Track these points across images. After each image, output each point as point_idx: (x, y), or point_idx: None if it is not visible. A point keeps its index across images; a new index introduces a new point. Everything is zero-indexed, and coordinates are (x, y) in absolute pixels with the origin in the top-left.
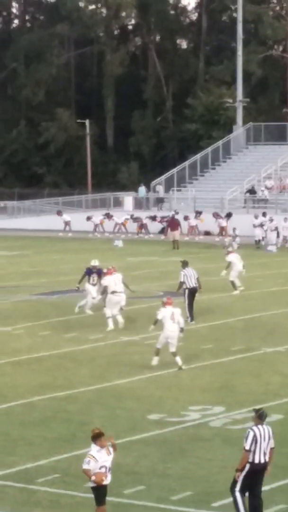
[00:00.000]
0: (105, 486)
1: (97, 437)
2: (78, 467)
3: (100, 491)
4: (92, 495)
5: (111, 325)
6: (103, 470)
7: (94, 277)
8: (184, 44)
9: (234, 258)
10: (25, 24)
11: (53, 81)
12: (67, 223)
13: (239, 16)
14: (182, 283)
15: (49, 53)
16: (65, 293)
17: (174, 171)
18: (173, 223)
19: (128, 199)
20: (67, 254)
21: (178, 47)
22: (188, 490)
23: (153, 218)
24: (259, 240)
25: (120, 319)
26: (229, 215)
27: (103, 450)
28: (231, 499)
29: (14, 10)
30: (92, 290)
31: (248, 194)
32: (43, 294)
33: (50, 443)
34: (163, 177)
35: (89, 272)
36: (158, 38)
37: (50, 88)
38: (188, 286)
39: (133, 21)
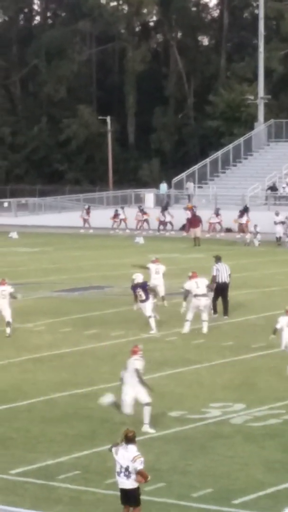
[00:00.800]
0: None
1: (133, 438)
2: (98, 464)
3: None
4: (113, 492)
5: (186, 329)
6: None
7: (140, 292)
8: (205, 41)
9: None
10: (46, 21)
11: (74, 77)
12: (86, 220)
13: (261, 12)
14: (214, 277)
15: (71, 49)
16: (86, 290)
17: (195, 168)
18: (194, 220)
19: (149, 196)
20: (88, 251)
21: (199, 44)
22: (208, 487)
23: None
24: (280, 237)
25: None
26: (246, 210)
27: None
28: (252, 496)
29: (35, 7)
30: (144, 308)
31: (269, 191)
32: (64, 290)
33: (71, 440)
34: (184, 174)
35: (134, 288)
36: (179, 34)
37: (71, 85)
38: (219, 281)
39: (154, 18)
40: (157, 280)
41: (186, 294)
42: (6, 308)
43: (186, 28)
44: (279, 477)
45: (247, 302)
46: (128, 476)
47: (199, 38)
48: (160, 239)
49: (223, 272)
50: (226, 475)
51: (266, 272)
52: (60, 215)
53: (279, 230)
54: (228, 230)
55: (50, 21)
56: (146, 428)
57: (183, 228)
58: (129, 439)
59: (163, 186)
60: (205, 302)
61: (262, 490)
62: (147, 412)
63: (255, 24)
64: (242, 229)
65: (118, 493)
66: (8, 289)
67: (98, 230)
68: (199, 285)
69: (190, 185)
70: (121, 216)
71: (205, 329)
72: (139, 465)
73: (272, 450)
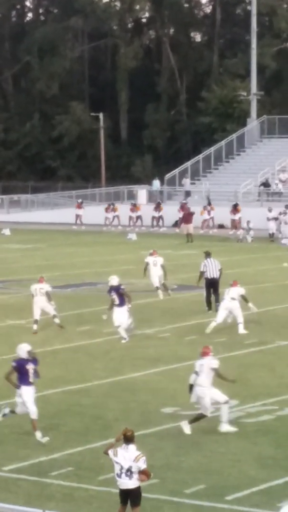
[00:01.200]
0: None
1: (133, 438)
2: (91, 461)
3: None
4: (106, 489)
5: (210, 328)
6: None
7: (114, 296)
8: (198, 37)
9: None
10: (38, 18)
11: (66, 74)
12: (78, 216)
13: (253, 9)
14: (202, 273)
15: (63, 46)
16: (78, 287)
17: (188, 164)
18: (187, 216)
19: (142, 192)
20: (81, 248)
21: (192, 40)
22: (201, 483)
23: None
24: (273, 233)
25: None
26: (235, 206)
27: None
28: (245, 492)
29: (28, 3)
30: (114, 316)
31: (262, 187)
32: (57, 287)
33: (64, 436)
34: (176, 170)
35: (109, 292)
36: (172, 31)
37: (63, 81)
38: (207, 276)
39: (147, 14)
40: (155, 271)
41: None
42: (46, 305)
43: (179, 25)
44: (272, 473)
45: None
46: (130, 476)
47: (192, 34)
48: (153, 236)
49: (211, 268)
50: (219, 471)
51: (259, 268)
52: (53, 211)
53: (272, 226)
54: (221, 226)
55: (42, 17)
56: (226, 427)
57: (175, 224)
58: (128, 439)
59: (156, 183)
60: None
61: (255, 486)
62: (225, 411)
63: (248, 20)
64: (235, 225)
65: (112, 490)
66: (46, 287)
67: (90, 226)
68: (230, 293)
69: (186, 181)
70: (116, 213)
71: (240, 330)
72: (143, 464)
73: (264, 446)
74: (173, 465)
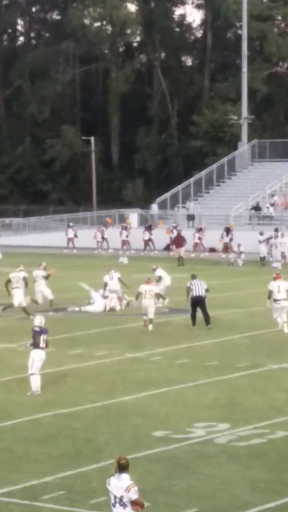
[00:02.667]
0: None
1: (126, 467)
2: (83, 484)
3: None
4: None
5: (282, 326)
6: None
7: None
8: (189, 61)
9: (162, 273)
10: (30, 41)
11: (58, 98)
12: (70, 240)
13: (244, 33)
14: (188, 288)
15: (54, 70)
16: (70, 310)
17: (179, 188)
18: (178, 240)
19: (133, 215)
20: (73, 271)
21: (183, 64)
22: (193, 507)
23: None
24: (264, 257)
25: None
26: (227, 230)
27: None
28: None
29: (19, 27)
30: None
31: (253, 211)
32: (48, 311)
33: (55, 460)
34: (168, 194)
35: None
36: (163, 55)
37: (55, 105)
38: (192, 294)
39: (138, 38)
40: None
41: (270, 294)
42: (152, 306)
43: (170, 49)
44: (264, 497)
45: (231, 321)
46: (124, 505)
47: (183, 58)
48: (144, 259)
49: (197, 287)
50: (211, 494)
51: (250, 291)
52: (44, 235)
53: (263, 249)
54: (212, 250)
55: (33, 41)
56: None
57: (166, 248)
58: (121, 467)
59: (154, 207)
60: (284, 304)
61: (246, 510)
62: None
63: (239, 44)
64: (226, 248)
65: None
66: (155, 289)
67: (82, 250)
68: (280, 289)
69: (190, 205)
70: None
71: (286, 330)
72: (134, 495)
73: (256, 469)
74: (164, 489)
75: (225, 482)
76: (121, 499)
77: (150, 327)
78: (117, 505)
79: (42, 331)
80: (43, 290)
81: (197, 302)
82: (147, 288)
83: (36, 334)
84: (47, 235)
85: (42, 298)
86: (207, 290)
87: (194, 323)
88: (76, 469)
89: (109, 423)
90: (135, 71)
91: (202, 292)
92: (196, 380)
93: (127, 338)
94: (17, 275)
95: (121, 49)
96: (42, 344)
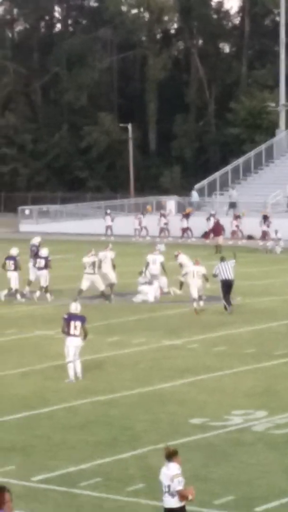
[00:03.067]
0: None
1: (173, 455)
2: (120, 471)
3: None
4: (135, 499)
5: None
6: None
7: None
8: (226, 48)
9: (184, 259)
10: (67, 29)
11: (95, 85)
12: (108, 227)
13: (282, 19)
14: (214, 275)
15: (92, 57)
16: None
17: (216, 175)
18: (217, 228)
19: (170, 203)
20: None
21: (220, 51)
22: (230, 494)
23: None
24: None
25: None
26: (264, 218)
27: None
28: (273, 503)
29: (56, 15)
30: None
31: None
32: (86, 298)
33: (92, 447)
34: (205, 181)
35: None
36: (200, 42)
37: (92, 92)
38: (222, 278)
39: (175, 25)
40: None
41: None
42: (197, 285)
43: (207, 36)
44: None
45: (269, 309)
46: (172, 495)
47: (220, 45)
48: (181, 246)
49: (225, 270)
50: (247, 482)
51: None
52: (82, 222)
53: None
54: (250, 237)
55: (71, 28)
56: None
57: (204, 235)
58: (168, 456)
59: (195, 194)
60: None
61: (284, 498)
62: None
63: (276, 31)
64: (264, 236)
65: (140, 501)
66: (203, 270)
67: (119, 237)
68: None
69: (233, 192)
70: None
71: None
72: (178, 486)
73: None
74: (201, 476)
75: (262, 470)
76: (169, 488)
77: (200, 304)
78: (167, 494)
79: (71, 317)
80: (109, 272)
81: (228, 285)
82: (195, 269)
83: (65, 321)
84: (85, 222)
85: (104, 280)
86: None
87: (230, 304)
88: (113, 456)
89: (146, 411)
90: (172, 58)
91: (231, 276)
92: (234, 367)
93: (165, 325)
94: (89, 260)
95: (158, 36)
96: (73, 331)
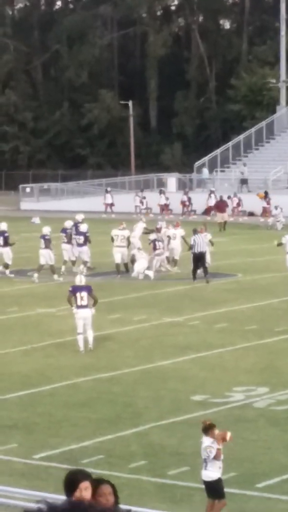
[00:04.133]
0: (220, 478)
1: (208, 429)
2: (122, 448)
3: (221, 483)
4: (137, 476)
5: None
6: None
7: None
8: (227, 24)
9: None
10: (67, 6)
11: (96, 62)
12: (108, 205)
13: None
14: (191, 246)
15: (92, 34)
16: (108, 275)
17: (217, 152)
18: (221, 205)
19: (171, 180)
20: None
21: (221, 27)
22: (232, 471)
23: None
24: None
25: None
26: (266, 194)
27: (215, 442)
28: (275, 479)
29: None
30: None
31: None
32: (87, 275)
33: (94, 424)
34: (206, 158)
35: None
36: (201, 18)
37: (93, 70)
38: (194, 251)
39: (176, 2)
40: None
41: None
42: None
43: (208, 12)
44: None
45: (270, 286)
46: (205, 468)
47: (221, 21)
48: (183, 223)
49: (200, 243)
50: (249, 459)
51: None
52: (83, 200)
53: None
54: (251, 214)
55: (71, 5)
56: None
57: (205, 212)
58: (204, 430)
59: (205, 171)
60: None
61: (285, 474)
62: None
63: (277, 7)
64: (265, 212)
65: (142, 478)
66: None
67: (120, 215)
68: None
69: (244, 169)
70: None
71: None
72: (210, 455)
73: None
74: None
75: (264, 446)
76: (205, 461)
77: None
78: (203, 467)
79: (76, 289)
80: (178, 248)
81: (200, 258)
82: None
83: (70, 293)
84: (86, 199)
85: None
86: (211, 243)
87: (194, 277)
88: (115, 433)
89: (148, 388)
90: (172, 34)
91: (203, 248)
92: (235, 344)
93: (165, 302)
94: (121, 233)
95: (159, 13)
96: (80, 302)
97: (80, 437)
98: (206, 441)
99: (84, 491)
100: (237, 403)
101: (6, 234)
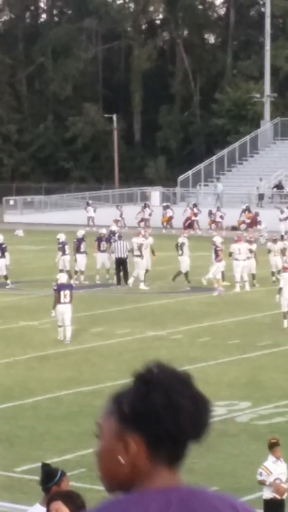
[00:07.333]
0: (282, 500)
1: (271, 447)
2: None
3: (275, 506)
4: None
5: None
6: (277, 482)
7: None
8: (212, 38)
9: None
10: (53, 19)
11: (80, 75)
12: (90, 218)
13: (267, 10)
14: (112, 252)
15: (77, 47)
16: (91, 288)
17: (201, 166)
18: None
19: (155, 194)
20: (94, 249)
21: (206, 41)
22: (214, 485)
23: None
24: (283, 235)
25: None
26: (247, 209)
27: (279, 461)
28: (257, 494)
29: (42, 5)
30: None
31: (275, 189)
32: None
33: (77, 437)
34: (190, 172)
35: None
36: (186, 32)
37: (77, 83)
38: (116, 256)
39: (161, 16)
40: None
41: None
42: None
43: (193, 26)
44: None
45: (253, 300)
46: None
47: (206, 36)
48: (165, 237)
49: (121, 249)
50: (231, 473)
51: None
52: (66, 212)
53: (283, 227)
54: (234, 228)
55: (56, 18)
56: None
57: (188, 226)
58: (268, 446)
59: (220, 186)
60: None
61: None
62: None
63: (262, 22)
64: (252, 224)
65: None
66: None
67: (102, 228)
68: None
69: (260, 184)
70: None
71: None
72: (259, 476)
73: None
74: (185, 467)
75: (246, 460)
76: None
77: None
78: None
79: (60, 287)
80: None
81: (120, 263)
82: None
83: (55, 291)
84: (69, 213)
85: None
86: (129, 251)
87: (118, 282)
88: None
89: None
90: (157, 48)
91: (124, 254)
92: (218, 358)
93: (149, 316)
94: (138, 241)
95: (143, 27)
96: (63, 299)
97: (62, 451)
98: (268, 459)
99: None
100: (219, 417)
101: (3, 245)
